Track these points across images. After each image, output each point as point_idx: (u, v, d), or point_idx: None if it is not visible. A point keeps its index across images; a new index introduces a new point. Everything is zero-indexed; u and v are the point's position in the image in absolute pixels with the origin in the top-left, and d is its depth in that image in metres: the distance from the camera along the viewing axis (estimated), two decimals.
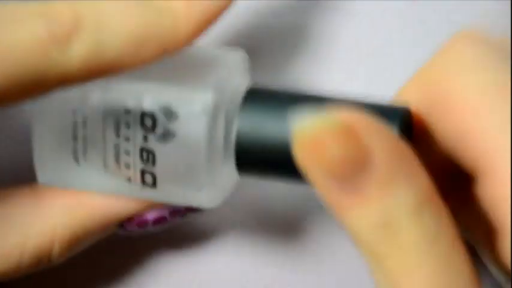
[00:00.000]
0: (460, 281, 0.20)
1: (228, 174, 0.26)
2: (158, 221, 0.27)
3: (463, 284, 0.20)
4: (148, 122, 0.25)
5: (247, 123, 0.25)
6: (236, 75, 0.26)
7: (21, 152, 0.30)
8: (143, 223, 0.27)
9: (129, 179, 0.26)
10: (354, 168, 0.20)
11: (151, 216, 0.27)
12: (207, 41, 0.32)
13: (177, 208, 0.27)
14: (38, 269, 0.27)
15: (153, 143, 0.25)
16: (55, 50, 0.23)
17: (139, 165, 0.25)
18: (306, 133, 0.20)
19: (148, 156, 0.25)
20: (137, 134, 0.25)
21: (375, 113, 0.24)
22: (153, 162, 0.25)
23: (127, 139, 0.25)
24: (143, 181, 0.25)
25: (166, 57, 0.24)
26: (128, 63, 0.23)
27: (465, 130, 0.22)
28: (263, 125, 0.24)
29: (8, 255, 0.26)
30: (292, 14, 0.33)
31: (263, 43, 0.33)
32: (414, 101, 0.24)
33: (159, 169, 0.25)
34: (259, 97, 0.25)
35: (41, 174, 0.27)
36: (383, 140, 0.21)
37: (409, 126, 0.24)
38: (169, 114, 0.25)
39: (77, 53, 0.23)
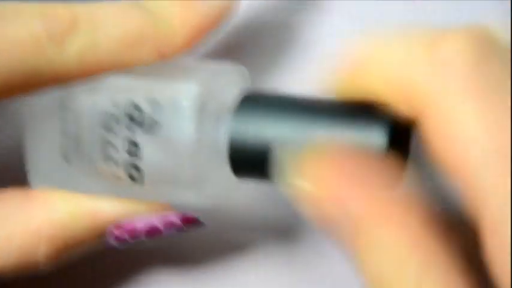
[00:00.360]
0: None
1: (221, 176, 0.25)
2: (151, 231, 0.26)
3: None
4: (134, 113, 0.24)
5: (241, 126, 0.24)
6: (230, 82, 0.26)
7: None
8: (134, 231, 0.26)
9: (117, 177, 0.25)
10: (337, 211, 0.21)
11: (142, 223, 0.26)
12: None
13: (170, 218, 0.26)
14: (24, 272, 0.26)
15: (139, 136, 0.24)
16: (51, 48, 0.23)
17: (126, 159, 0.25)
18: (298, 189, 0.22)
19: (134, 149, 0.25)
20: (123, 127, 0.25)
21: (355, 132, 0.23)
22: (140, 156, 0.25)
23: (114, 132, 0.25)
24: (130, 177, 0.25)
25: (163, 60, 0.25)
26: (122, 63, 0.24)
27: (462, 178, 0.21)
28: (258, 128, 0.24)
29: None
30: (286, 16, 0.33)
31: (255, 46, 0.32)
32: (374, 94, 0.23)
33: (145, 163, 0.25)
34: (254, 101, 0.25)
35: (33, 178, 0.27)
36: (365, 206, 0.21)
37: (401, 136, 0.24)
38: (154, 104, 0.24)
39: (72, 51, 0.24)
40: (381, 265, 0.21)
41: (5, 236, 0.26)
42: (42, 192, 0.26)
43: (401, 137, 0.24)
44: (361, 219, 0.21)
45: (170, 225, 0.26)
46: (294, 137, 0.24)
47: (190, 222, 0.27)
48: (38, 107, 0.26)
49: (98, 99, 0.25)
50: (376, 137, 0.23)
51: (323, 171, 0.22)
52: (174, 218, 0.26)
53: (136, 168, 0.25)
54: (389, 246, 0.21)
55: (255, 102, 0.25)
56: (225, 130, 0.24)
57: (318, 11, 0.33)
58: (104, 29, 0.24)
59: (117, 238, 0.26)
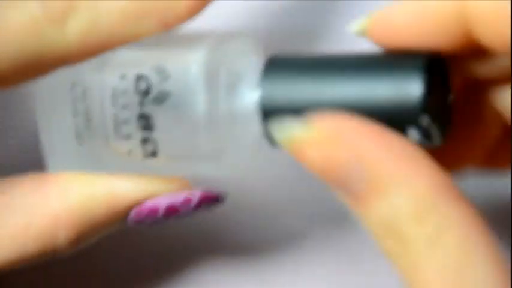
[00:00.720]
0: (479, 275, 0.20)
1: (242, 144, 0.25)
2: (169, 211, 0.26)
3: (484, 277, 0.20)
4: (143, 85, 0.24)
5: (272, 90, 0.23)
6: (241, 48, 0.25)
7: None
8: (154, 211, 0.26)
9: (131, 152, 0.25)
10: (344, 172, 0.21)
11: (163, 202, 0.26)
12: None
13: (189, 197, 0.26)
14: (44, 258, 0.26)
15: (149, 107, 0.24)
16: (51, 30, 0.23)
17: (138, 133, 0.25)
18: (288, 143, 0.22)
19: (146, 122, 0.24)
20: (133, 100, 0.24)
21: (391, 73, 0.22)
22: (152, 129, 0.24)
23: (124, 107, 0.25)
24: (144, 151, 0.25)
25: (167, 31, 0.24)
26: (126, 38, 0.24)
27: None
28: (289, 91, 0.23)
29: (12, 238, 0.25)
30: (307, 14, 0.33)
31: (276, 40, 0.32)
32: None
33: (158, 136, 0.24)
34: (281, 64, 0.24)
35: (50, 161, 0.26)
36: (374, 144, 0.21)
37: (440, 72, 0.23)
38: (163, 74, 0.24)
39: (74, 31, 0.23)
40: (396, 215, 0.20)
41: (23, 223, 0.25)
42: (59, 176, 0.26)
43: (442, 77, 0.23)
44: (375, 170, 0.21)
45: (188, 202, 0.26)
46: (328, 97, 0.23)
47: (210, 199, 0.26)
48: (48, 88, 0.26)
49: (106, 75, 0.25)
50: (412, 87, 0.22)
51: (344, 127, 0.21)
52: (193, 195, 0.26)
53: (150, 141, 0.25)
54: (405, 192, 0.20)
55: (281, 65, 0.24)
56: (255, 95, 0.24)
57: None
58: (104, 4, 0.24)
59: (135, 218, 0.26)
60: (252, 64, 0.25)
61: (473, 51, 0.22)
